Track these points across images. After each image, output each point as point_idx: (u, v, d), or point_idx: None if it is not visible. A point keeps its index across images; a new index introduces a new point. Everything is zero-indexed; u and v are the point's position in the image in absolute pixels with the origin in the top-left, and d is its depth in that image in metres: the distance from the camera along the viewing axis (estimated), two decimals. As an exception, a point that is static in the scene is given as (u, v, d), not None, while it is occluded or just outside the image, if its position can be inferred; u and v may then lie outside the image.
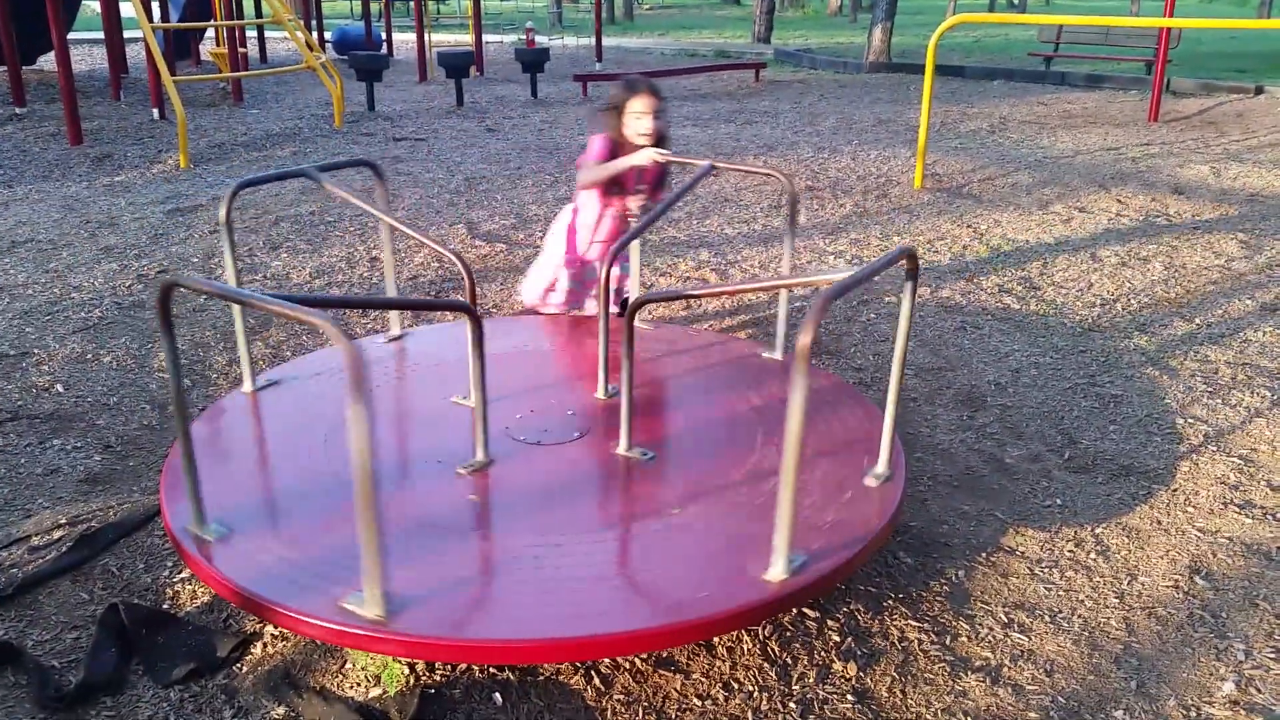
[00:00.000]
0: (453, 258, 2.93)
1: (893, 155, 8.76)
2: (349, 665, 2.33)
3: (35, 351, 4.17)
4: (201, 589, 2.63)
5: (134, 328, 4.44)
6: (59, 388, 3.85)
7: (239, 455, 2.87)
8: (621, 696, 2.26)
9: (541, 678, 2.30)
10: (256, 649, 2.40)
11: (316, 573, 2.18)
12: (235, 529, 2.34)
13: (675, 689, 2.29)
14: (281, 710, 2.20)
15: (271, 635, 2.44)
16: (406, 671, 2.29)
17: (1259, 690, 2.30)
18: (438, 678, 2.28)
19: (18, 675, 2.31)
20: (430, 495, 2.53)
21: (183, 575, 2.71)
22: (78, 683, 2.25)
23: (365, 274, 5.29)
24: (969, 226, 6.40)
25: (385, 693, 2.23)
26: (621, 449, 2.76)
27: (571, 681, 2.29)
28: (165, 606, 2.59)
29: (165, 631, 2.47)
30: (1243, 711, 2.23)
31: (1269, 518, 3.03)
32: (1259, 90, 13.02)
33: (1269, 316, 4.76)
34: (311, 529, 2.37)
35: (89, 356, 4.13)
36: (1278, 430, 3.60)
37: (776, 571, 2.17)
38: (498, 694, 2.24)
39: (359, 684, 2.27)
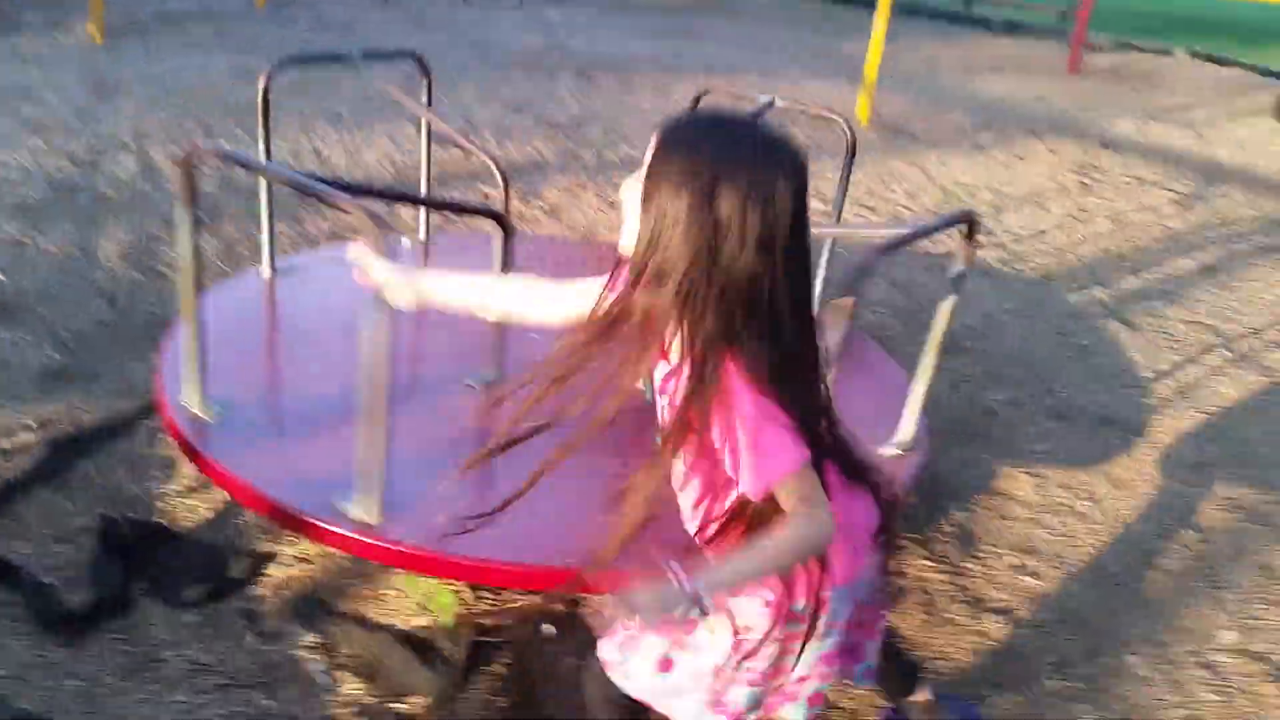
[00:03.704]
0: (490, 161, 2.75)
1: (833, 88, 8.70)
2: (387, 592, 2.23)
3: (-39, 232, 3.79)
4: (201, 502, 2.47)
5: (72, 214, 4.08)
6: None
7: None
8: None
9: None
10: (274, 572, 2.28)
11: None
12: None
13: (715, 624, 2.27)
14: (311, 637, 2.10)
15: (291, 556, 2.32)
16: (453, 600, 2.20)
17: (1260, 638, 2.44)
18: (485, 607, 2.21)
19: (12, 593, 2.13)
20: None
21: (175, 487, 2.53)
22: (89, 601, 2.09)
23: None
24: (918, 167, 6.44)
25: (435, 622, 2.15)
26: None
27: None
28: (158, 520, 2.42)
29: (168, 548, 2.32)
30: (1248, 659, 2.37)
31: (1245, 475, 3.19)
32: (1169, 52, 13.46)
33: (1210, 276, 4.98)
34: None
35: (26, 242, 3.78)
36: (1241, 391, 3.78)
37: None
38: (548, 624, 2.18)
39: (399, 611, 2.18)
